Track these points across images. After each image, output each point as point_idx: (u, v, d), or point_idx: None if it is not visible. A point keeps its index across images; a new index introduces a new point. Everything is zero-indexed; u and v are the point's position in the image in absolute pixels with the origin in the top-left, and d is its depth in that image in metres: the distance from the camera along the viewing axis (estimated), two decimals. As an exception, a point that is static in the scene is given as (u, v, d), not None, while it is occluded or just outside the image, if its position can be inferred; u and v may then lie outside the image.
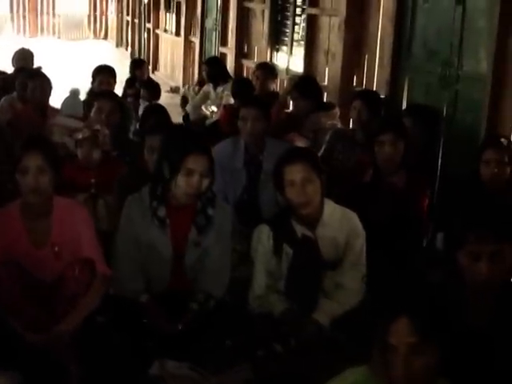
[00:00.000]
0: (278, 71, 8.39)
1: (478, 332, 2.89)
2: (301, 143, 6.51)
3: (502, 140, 4.69)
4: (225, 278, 4.07)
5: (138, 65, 10.22)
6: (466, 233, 2.92)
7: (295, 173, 3.87)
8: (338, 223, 4.01)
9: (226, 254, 4.10)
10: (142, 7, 17.14)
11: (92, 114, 5.68)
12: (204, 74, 9.70)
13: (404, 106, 6.46)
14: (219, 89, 9.06)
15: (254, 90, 7.66)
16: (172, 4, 14.86)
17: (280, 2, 9.39)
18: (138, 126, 6.90)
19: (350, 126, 6.96)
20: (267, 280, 4.01)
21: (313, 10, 8.24)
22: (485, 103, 5.32)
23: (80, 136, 4.89)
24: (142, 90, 9.16)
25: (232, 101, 8.34)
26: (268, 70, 8.08)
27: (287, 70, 9.04)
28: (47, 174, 3.73)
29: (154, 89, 9.37)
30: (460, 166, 5.67)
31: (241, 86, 7.73)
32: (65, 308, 3.69)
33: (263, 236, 4.01)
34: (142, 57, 16.36)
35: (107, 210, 4.81)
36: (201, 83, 10.64)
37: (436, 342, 2.46)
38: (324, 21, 8.03)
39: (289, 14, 9.13)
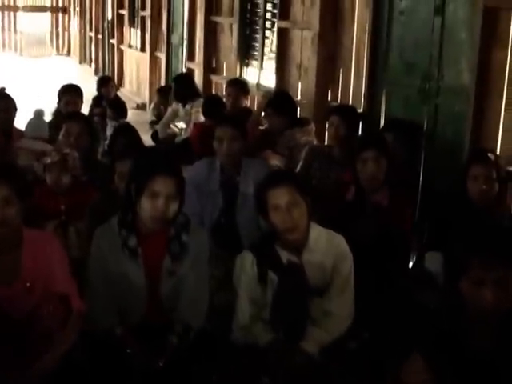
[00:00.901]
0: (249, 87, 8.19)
1: (482, 358, 2.75)
2: (276, 161, 6.38)
3: (489, 155, 4.55)
4: (203, 306, 3.87)
5: (103, 83, 10.05)
6: (469, 258, 2.75)
7: (280, 196, 3.71)
8: (325, 247, 3.86)
9: (203, 282, 3.90)
10: (106, 23, 16.97)
11: (60, 136, 5.48)
12: (172, 92, 9.51)
13: (382, 120, 6.29)
14: (188, 106, 8.91)
15: (225, 108, 7.47)
16: (136, 19, 14.69)
17: (248, 16, 9.21)
18: (106, 147, 6.73)
19: (326, 142, 6.84)
20: (252, 309, 3.84)
21: (283, 24, 8.07)
22: (468, 116, 5.16)
23: (48, 160, 4.71)
24: (108, 110, 8.96)
25: (202, 118, 8.21)
26: (240, 87, 7.92)
27: (258, 85, 8.86)
28: (14, 205, 3.48)
29: (121, 108, 9.20)
30: (443, 181, 5.52)
31: (211, 104, 7.54)
32: (40, 346, 3.46)
33: (246, 263, 3.84)
34: (106, 73, 16.21)
35: (78, 238, 4.63)
36: (161, 92, 10.46)
37: (448, 377, 2.33)
38: (296, 34, 7.86)
39: (258, 27, 8.96)
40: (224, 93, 8.15)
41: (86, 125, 5.64)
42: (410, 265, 4.89)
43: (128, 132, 5.96)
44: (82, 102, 7.14)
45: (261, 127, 7.09)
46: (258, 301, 3.83)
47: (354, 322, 3.89)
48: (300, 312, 3.84)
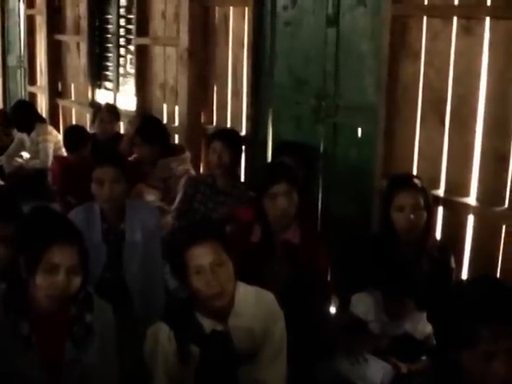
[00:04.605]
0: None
1: None
2: (151, 195, 5.72)
3: (416, 181, 4.04)
4: None
5: None
6: (477, 330, 2.26)
7: (203, 256, 3.08)
8: (254, 309, 3.27)
9: (113, 366, 3.27)
10: None
11: None
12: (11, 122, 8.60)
13: (270, 143, 5.69)
14: (34, 134, 8.01)
15: (90, 139, 6.65)
16: (-40, 41, 13.46)
17: (98, 33, 8.41)
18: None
19: (201, 171, 6.25)
20: (170, 390, 3.19)
21: (142, 40, 7.32)
22: (376, 137, 4.63)
23: None
24: None
25: (51, 146, 7.67)
26: (112, 111, 7.24)
27: (114, 108, 8.06)
28: None
29: None
30: (346, 210, 5.00)
31: (74, 135, 6.65)
32: None
33: (162, 337, 3.17)
34: None
35: None
36: (1, 120, 9.55)
37: None
38: (158, 51, 7.16)
39: (111, 45, 8.18)
40: (89, 119, 7.40)
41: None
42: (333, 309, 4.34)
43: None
44: None
45: (130, 158, 6.36)
46: (177, 378, 3.18)
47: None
48: (227, 385, 3.25)
